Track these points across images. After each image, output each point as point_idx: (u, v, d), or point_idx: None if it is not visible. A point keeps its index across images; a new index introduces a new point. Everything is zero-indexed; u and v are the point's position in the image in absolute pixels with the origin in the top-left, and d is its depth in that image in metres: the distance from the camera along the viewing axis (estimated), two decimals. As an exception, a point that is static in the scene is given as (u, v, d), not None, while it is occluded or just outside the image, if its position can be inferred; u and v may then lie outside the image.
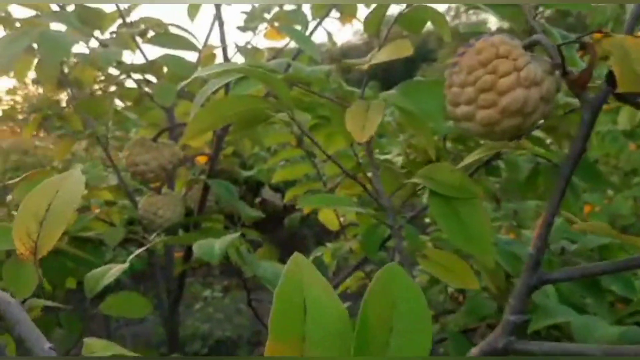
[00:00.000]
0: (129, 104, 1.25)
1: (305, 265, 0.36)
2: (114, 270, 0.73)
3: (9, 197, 0.90)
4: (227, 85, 0.89)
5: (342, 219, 1.51)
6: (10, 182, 0.76)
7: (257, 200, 2.20)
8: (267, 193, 2.40)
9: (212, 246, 0.66)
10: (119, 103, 1.35)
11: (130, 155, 0.89)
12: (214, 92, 0.61)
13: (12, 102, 3.07)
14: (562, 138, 0.98)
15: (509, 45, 0.51)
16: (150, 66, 0.92)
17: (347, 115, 0.58)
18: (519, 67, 0.50)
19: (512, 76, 0.50)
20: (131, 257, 0.73)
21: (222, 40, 0.92)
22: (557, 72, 0.52)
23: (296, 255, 0.37)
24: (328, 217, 1.55)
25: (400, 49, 0.57)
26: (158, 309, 1.19)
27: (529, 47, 0.54)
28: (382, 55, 0.59)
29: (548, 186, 0.91)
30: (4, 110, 2.99)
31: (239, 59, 1.00)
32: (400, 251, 0.57)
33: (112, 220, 1.19)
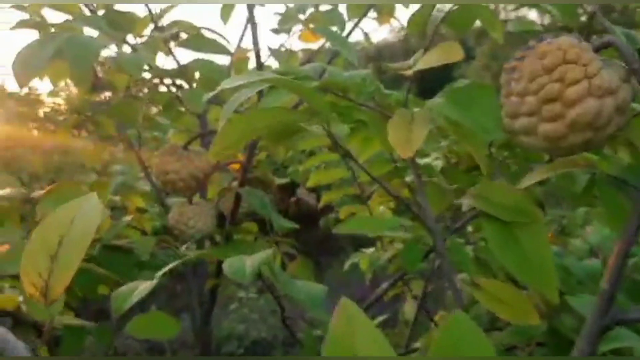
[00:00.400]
0: (161, 108, 1.21)
1: (356, 316, 0.31)
2: (142, 288, 0.69)
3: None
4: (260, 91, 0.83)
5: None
6: (35, 194, 0.72)
7: (293, 199, 2.16)
8: (302, 193, 2.36)
9: (243, 265, 0.60)
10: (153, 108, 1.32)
11: (160, 164, 0.85)
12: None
13: (53, 104, 3.09)
14: (619, 145, 0.90)
15: (577, 49, 0.44)
16: (181, 71, 0.87)
17: (390, 126, 0.52)
18: (591, 73, 0.43)
19: (583, 84, 0.43)
20: (160, 273, 0.68)
21: (255, 43, 0.86)
22: (634, 79, 0.45)
23: (345, 303, 0.32)
24: (364, 223, 1.49)
25: (449, 53, 0.50)
26: (190, 313, 1.14)
27: (598, 50, 0.47)
28: (428, 60, 0.53)
29: (604, 197, 0.83)
30: (45, 113, 3.01)
31: (272, 62, 0.95)
32: (449, 279, 0.51)
33: (144, 228, 1.16)
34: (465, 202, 0.51)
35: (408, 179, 1.27)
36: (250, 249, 0.83)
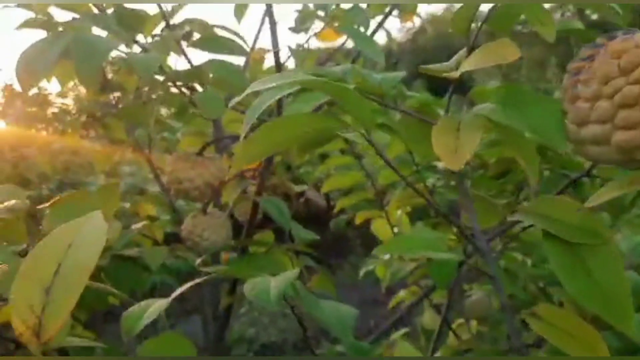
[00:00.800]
0: (173, 110, 1.16)
1: None
2: (154, 308, 0.63)
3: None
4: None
5: (395, 230, 1.39)
6: (41, 206, 0.66)
7: (301, 200, 2.11)
8: (310, 193, 2.31)
9: (268, 287, 0.54)
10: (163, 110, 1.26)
11: (173, 172, 0.79)
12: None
13: (61, 105, 3.04)
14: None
15: (659, 47, 0.38)
16: (194, 73, 0.81)
17: (434, 134, 0.46)
18: (678, 75, 0.37)
19: (668, 87, 0.37)
20: (175, 294, 0.62)
21: (274, 43, 0.80)
22: None
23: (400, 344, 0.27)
24: (381, 229, 1.44)
25: (504, 53, 0.44)
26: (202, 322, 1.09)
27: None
28: (479, 60, 0.47)
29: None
30: (53, 113, 2.96)
31: (291, 64, 0.88)
32: (504, 308, 0.45)
33: (155, 236, 1.10)
34: (518, 218, 0.45)
35: (429, 183, 1.21)
36: (267, 263, 0.77)
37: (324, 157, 2.26)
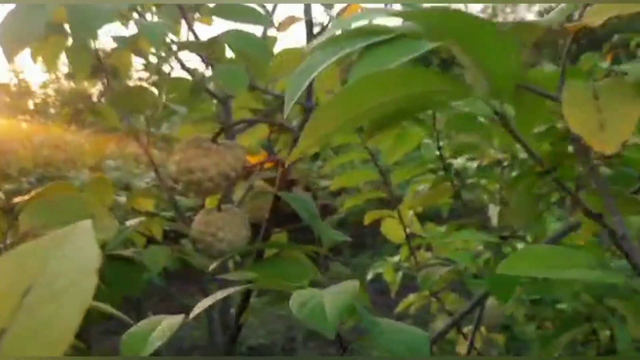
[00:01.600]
0: (172, 96, 1.02)
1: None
2: (164, 327, 0.49)
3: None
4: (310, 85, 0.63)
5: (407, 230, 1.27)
6: (17, 199, 0.52)
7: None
8: (298, 191, 2.18)
9: (321, 306, 0.41)
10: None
11: (182, 160, 0.65)
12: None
13: (44, 96, 2.87)
14: None
15: None
16: (208, 44, 0.67)
17: (566, 108, 0.33)
18: None
19: None
20: (194, 313, 0.49)
21: (307, 11, 0.66)
22: None
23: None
24: (392, 230, 1.32)
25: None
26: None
27: None
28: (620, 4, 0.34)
29: None
30: (36, 104, 2.80)
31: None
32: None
33: (153, 234, 0.96)
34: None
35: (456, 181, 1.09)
36: (295, 270, 0.64)
37: (317, 154, 2.12)
